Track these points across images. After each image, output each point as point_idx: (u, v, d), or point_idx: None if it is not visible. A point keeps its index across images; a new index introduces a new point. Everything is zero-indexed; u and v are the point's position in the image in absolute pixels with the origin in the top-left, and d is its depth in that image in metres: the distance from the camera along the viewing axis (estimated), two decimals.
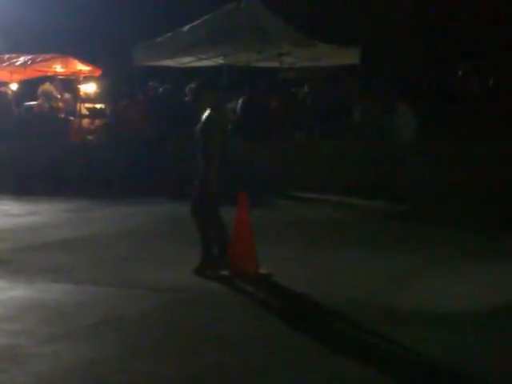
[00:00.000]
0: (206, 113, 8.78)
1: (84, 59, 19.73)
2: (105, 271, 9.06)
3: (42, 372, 5.72)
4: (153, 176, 15.94)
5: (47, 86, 19.94)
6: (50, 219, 13.03)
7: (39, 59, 19.48)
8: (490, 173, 14.17)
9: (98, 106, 20.22)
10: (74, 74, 19.98)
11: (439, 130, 15.17)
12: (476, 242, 10.91)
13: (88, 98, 20.31)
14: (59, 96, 19.96)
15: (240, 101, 16.86)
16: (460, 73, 16.31)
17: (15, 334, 6.60)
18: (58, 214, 13.65)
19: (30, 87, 20.62)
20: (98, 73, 20.09)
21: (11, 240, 10.97)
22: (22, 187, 16.35)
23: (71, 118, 19.43)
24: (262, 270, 8.68)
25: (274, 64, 18.80)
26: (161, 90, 17.49)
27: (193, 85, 9.35)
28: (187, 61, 18.66)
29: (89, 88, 20.63)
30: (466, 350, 6.27)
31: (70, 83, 20.58)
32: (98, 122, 19.57)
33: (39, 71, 20.12)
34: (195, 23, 18.19)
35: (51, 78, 20.39)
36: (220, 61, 18.36)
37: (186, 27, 18.20)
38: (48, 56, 19.69)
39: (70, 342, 6.42)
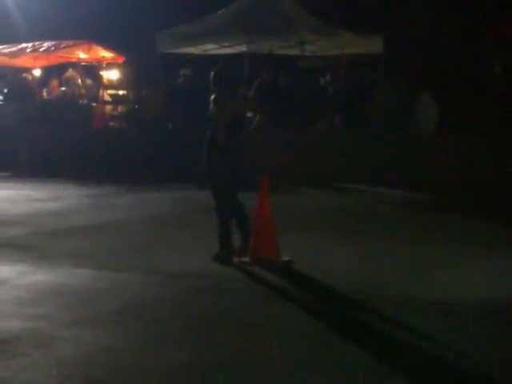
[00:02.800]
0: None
1: (107, 46, 19.77)
2: (126, 257, 9.11)
3: (64, 356, 5.77)
4: (176, 163, 15.96)
5: (71, 73, 20.03)
6: (73, 205, 13.11)
7: (62, 45, 19.57)
8: None
9: (121, 92, 20.28)
10: (96, 60, 20.05)
11: (461, 120, 15.13)
12: (501, 232, 10.87)
13: (111, 85, 20.36)
14: (81, 82, 20.03)
15: (255, 83, 16.91)
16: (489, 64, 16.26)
17: (38, 318, 6.65)
18: (80, 199, 13.73)
19: (53, 73, 20.68)
20: (120, 59, 20.13)
21: (34, 225, 11.05)
22: (45, 172, 16.46)
23: (93, 104, 19.50)
24: (283, 258, 8.70)
25: (297, 52, 18.77)
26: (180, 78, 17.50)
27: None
28: (210, 48, 18.66)
29: (111, 74, 20.68)
30: (482, 340, 6.25)
31: (92, 69, 20.65)
32: (120, 108, 19.65)
33: (62, 57, 20.19)
34: (219, 11, 18.21)
35: (74, 65, 20.45)
36: (243, 48, 18.35)
37: (210, 15, 18.22)
38: (71, 42, 19.76)
39: (92, 328, 6.47)
